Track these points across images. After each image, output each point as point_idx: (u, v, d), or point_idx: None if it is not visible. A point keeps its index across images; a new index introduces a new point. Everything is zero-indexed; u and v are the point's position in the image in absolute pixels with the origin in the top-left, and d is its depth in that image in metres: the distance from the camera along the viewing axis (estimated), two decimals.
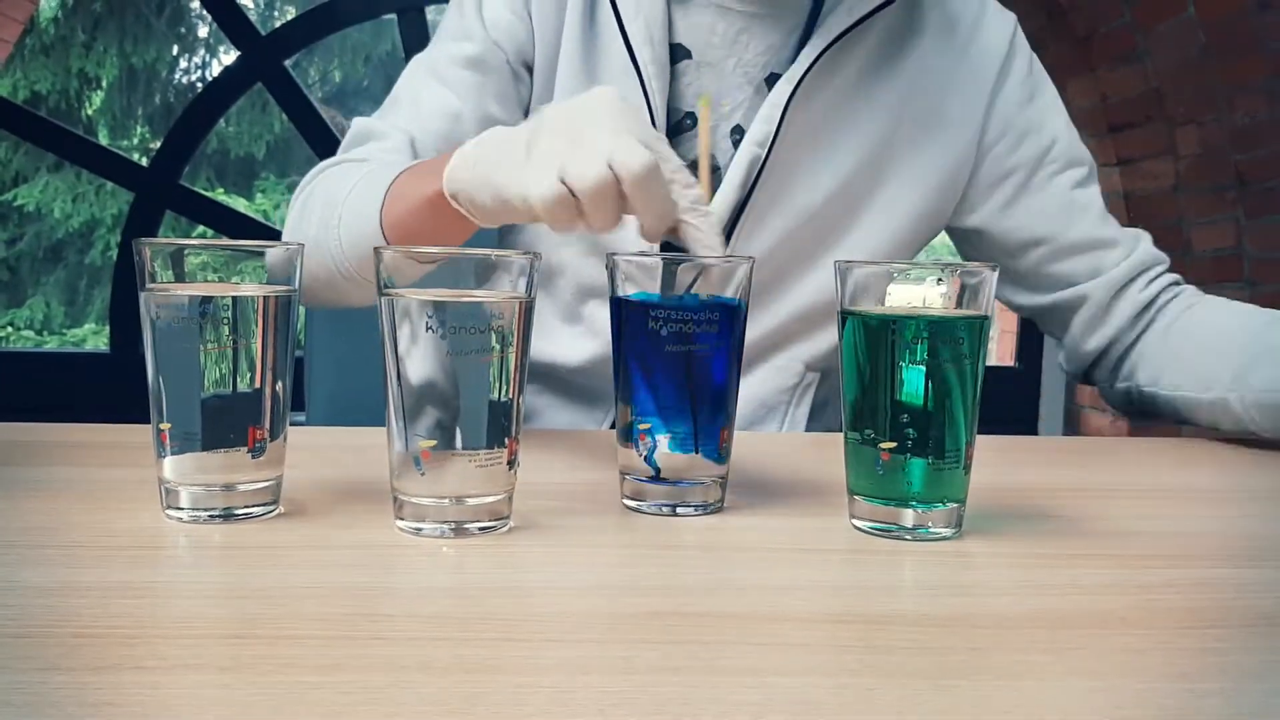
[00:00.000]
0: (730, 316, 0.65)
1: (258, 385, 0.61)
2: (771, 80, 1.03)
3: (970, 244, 1.14)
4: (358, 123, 1.04)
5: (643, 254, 0.67)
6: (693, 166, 1.02)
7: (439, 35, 1.08)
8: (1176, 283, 1.13)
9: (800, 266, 1.05)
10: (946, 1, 1.08)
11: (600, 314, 1.07)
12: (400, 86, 1.07)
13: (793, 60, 1.01)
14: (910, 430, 0.60)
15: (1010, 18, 1.10)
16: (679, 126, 1.04)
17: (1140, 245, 1.11)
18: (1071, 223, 1.09)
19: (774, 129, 1.00)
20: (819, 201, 1.03)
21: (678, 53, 1.03)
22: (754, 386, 1.08)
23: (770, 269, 1.03)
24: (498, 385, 0.59)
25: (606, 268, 0.67)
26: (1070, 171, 1.10)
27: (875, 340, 0.61)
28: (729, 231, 1.02)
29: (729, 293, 0.65)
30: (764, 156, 1.00)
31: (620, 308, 0.66)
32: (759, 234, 1.03)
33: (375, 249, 0.59)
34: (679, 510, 0.65)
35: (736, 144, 1.04)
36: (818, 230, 1.04)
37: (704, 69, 1.03)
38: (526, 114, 1.08)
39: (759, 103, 1.03)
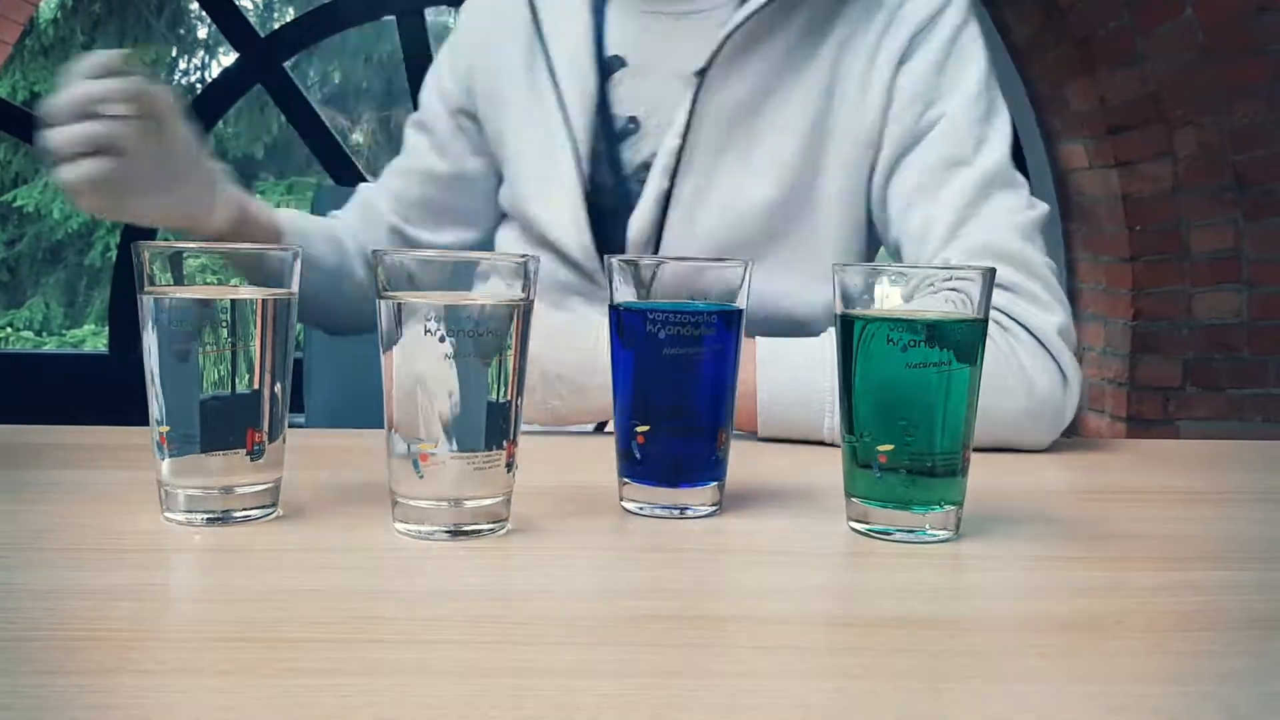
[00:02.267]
0: (728, 321, 0.65)
1: (256, 387, 0.61)
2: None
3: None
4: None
5: (640, 255, 0.67)
6: (644, 167, 1.06)
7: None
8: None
9: (752, 256, 1.01)
10: None
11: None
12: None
13: None
14: (907, 433, 0.60)
15: None
16: (623, 132, 1.07)
17: (937, 259, 0.97)
18: (911, 208, 1.00)
19: (686, 118, 1.02)
20: (756, 192, 1.03)
21: (614, 63, 1.08)
22: None
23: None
24: (496, 387, 0.59)
25: (604, 270, 0.67)
26: (939, 148, 1.00)
27: (872, 343, 0.61)
28: (659, 225, 1.04)
29: (716, 298, 0.65)
30: (679, 145, 1.03)
31: (618, 311, 0.66)
32: (692, 224, 1.04)
33: (373, 251, 0.60)
34: (677, 513, 0.65)
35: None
36: (761, 222, 1.04)
37: (639, 74, 1.08)
38: (483, 150, 1.21)
39: (683, 97, 1.05)
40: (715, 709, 0.39)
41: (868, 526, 0.62)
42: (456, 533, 0.59)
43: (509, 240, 1.18)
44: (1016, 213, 0.98)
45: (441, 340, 0.57)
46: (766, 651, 0.45)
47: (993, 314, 0.92)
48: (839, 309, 0.63)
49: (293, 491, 0.65)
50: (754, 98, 1.03)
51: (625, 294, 0.66)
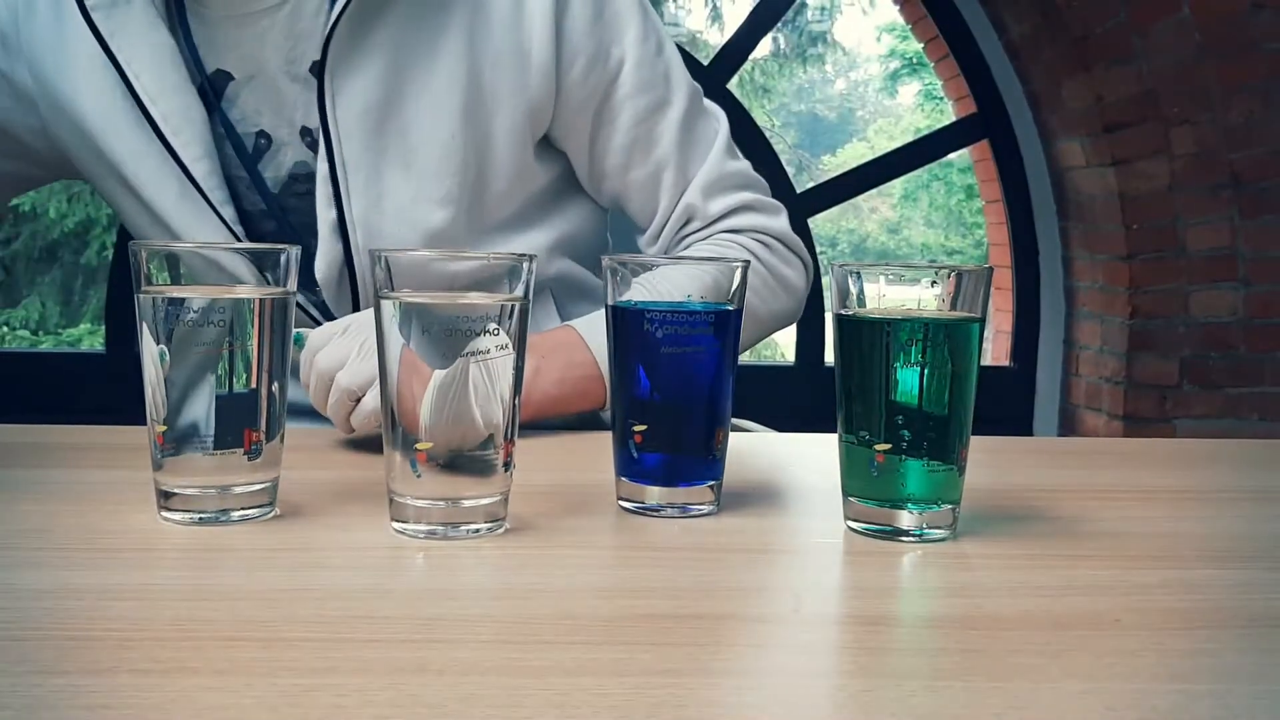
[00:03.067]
0: (724, 320, 0.65)
1: (254, 387, 0.61)
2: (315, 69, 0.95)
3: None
4: None
5: (637, 255, 0.67)
6: (295, 180, 0.98)
7: None
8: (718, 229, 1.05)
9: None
10: None
11: None
12: None
13: None
14: (905, 432, 0.60)
15: None
16: (256, 150, 0.98)
17: (680, 205, 1.02)
18: (632, 163, 1.01)
19: (323, 127, 0.93)
20: (430, 187, 0.96)
21: (220, 79, 0.97)
22: None
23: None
24: (493, 387, 0.59)
25: (603, 269, 0.67)
26: (638, 99, 0.99)
27: (869, 342, 0.61)
28: (345, 257, 0.96)
29: (709, 298, 0.66)
30: (329, 161, 0.94)
31: (616, 311, 0.66)
32: (378, 245, 0.95)
33: (370, 251, 0.60)
34: (674, 512, 0.65)
35: (311, 146, 0.98)
36: (452, 217, 0.97)
37: (252, 83, 0.97)
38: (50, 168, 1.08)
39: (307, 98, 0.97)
40: (712, 707, 0.39)
41: (865, 525, 0.62)
42: (454, 532, 0.59)
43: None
44: (717, 135, 1.04)
45: (438, 340, 0.57)
46: (763, 650, 0.45)
47: (747, 236, 1.03)
48: (835, 308, 0.63)
49: (290, 491, 0.65)
50: (388, 89, 0.94)
51: (622, 293, 0.66)
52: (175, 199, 0.98)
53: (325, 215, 0.96)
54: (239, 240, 0.97)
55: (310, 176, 0.98)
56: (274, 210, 0.99)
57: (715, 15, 12.14)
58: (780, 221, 1.06)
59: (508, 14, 0.96)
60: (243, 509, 0.61)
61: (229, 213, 0.97)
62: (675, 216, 1.03)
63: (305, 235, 0.98)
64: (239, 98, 0.98)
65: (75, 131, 1.00)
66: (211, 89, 0.97)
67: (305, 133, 0.98)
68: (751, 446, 0.90)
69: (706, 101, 1.06)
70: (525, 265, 0.60)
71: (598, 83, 0.98)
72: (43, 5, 0.99)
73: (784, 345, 7.12)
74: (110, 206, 1.06)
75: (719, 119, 1.06)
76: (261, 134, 0.98)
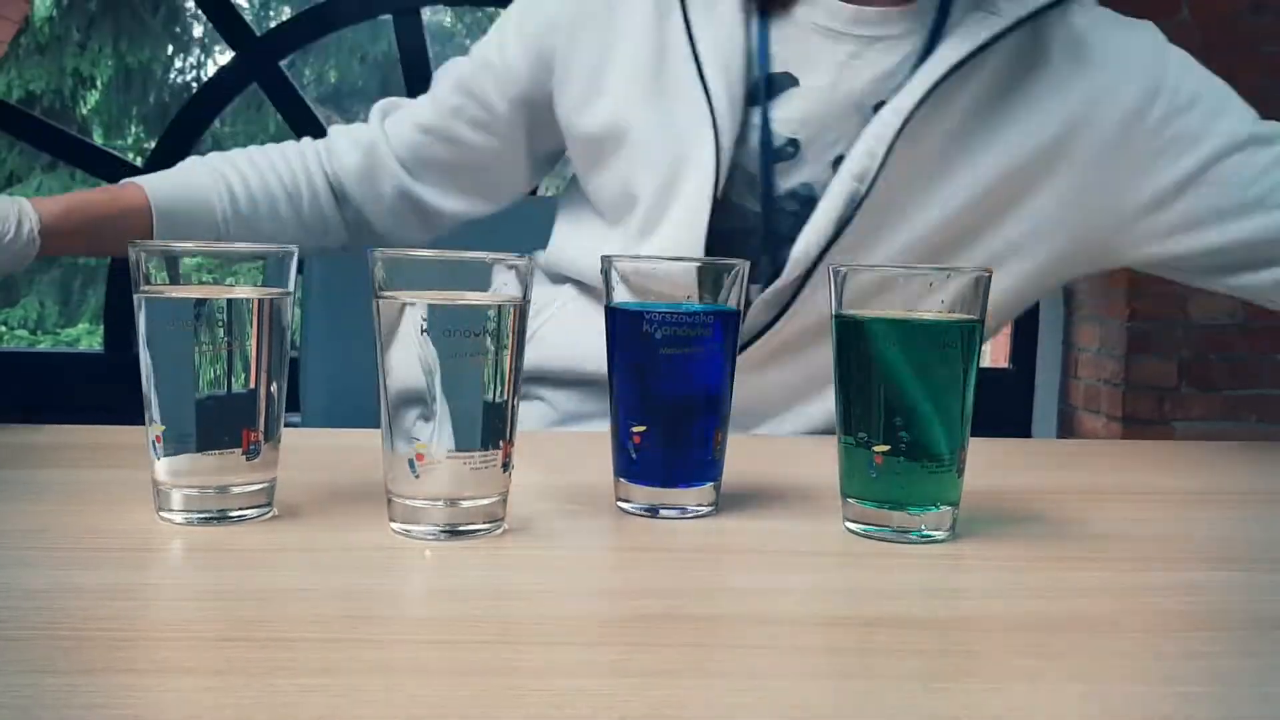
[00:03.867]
0: (724, 322, 0.65)
1: (252, 387, 0.61)
2: (879, 107, 0.98)
3: (1166, 268, 1.08)
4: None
5: (637, 258, 0.67)
6: (792, 196, 0.99)
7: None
8: None
9: None
10: (1073, 25, 1.01)
11: None
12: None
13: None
14: (904, 433, 0.60)
15: (1148, 26, 1.05)
16: (779, 154, 0.99)
17: None
18: (1245, 191, 1.01)
19: (877, 164, 0.95)
20: (921, 242, 0.98)
21: (781, 81, 1.00)
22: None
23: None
24: (492, 387, 0.59)
25: (601, 272, 0.67)
26: (1236, 156, 1.02)
27: (868, 344, 0.61)
28: (813, 265, 0.97)
29: (724, 300, 0.65)
30: (863, 192, 0.95)
31: (615, 313, 0.66)
32: (869, 252, 0.98)
33: (368, 250, 0.59)
34: (673, 513, 0.65)
35: (834, 169, 0.99)
36: (932, 249, 0.99)
37: (809, 95, 0.99)
38: (536, 138, 1.12)
39: (865, 132, 0.98)
40: (711, 709, 0.39)
41: (864, 527, 0.62)
42: (452, 533, 0.59)
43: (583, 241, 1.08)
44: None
45: (437, 340, 0.57)
46: (762, 652, 0.45)
47: None
48: (835, 309, 0.63)
49: (288, 491, 0.65)
50: (947, 144, 0.98)
51: (621, 294, 0.66)
52: (660, 177, 1.01)
53: (826, 228, 0.97)
54: (708, 227, 0.98)
55: (809, 200, 0.99)
56: (763, 213, 1.00)
57: None
58: None
59: (1074, 108, 0.99)
60: (241, 509, 0.61)
61: (717, 197, 0.98)
62: None
63: (763, 249, 1.00)
64: (790, 103, 1.00)
65: (585, 95, 1.05)
66: (768, 86, 1.00)
67: (837, 161, 0.99)
68: (750, 448, 0.90)
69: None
70: (525, 266, 0.60)
71: (1189, 166, 1.02)
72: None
73: None
74: (581, 180, 1.11)
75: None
76: (792, 142, 1.00)
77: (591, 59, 1.04)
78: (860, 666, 0.43)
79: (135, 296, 0.61)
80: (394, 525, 0.60)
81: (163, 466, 0.60)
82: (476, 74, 1.10)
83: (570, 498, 0.70)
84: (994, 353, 3.22)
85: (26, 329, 7.88)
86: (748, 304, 1.01)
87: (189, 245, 0.62)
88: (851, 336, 0.62)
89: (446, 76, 1.12)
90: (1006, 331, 3.14)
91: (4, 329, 7.91)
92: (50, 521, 0.60)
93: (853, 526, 0.63)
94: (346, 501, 0.66)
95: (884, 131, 0.95)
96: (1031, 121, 0.99)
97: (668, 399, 0.65)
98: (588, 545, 0.60)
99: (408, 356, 0.58)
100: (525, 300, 0.60)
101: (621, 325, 0.66)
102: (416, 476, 0.58)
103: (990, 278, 0.62)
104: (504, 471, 0.60)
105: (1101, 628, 0.49)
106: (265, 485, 0.62)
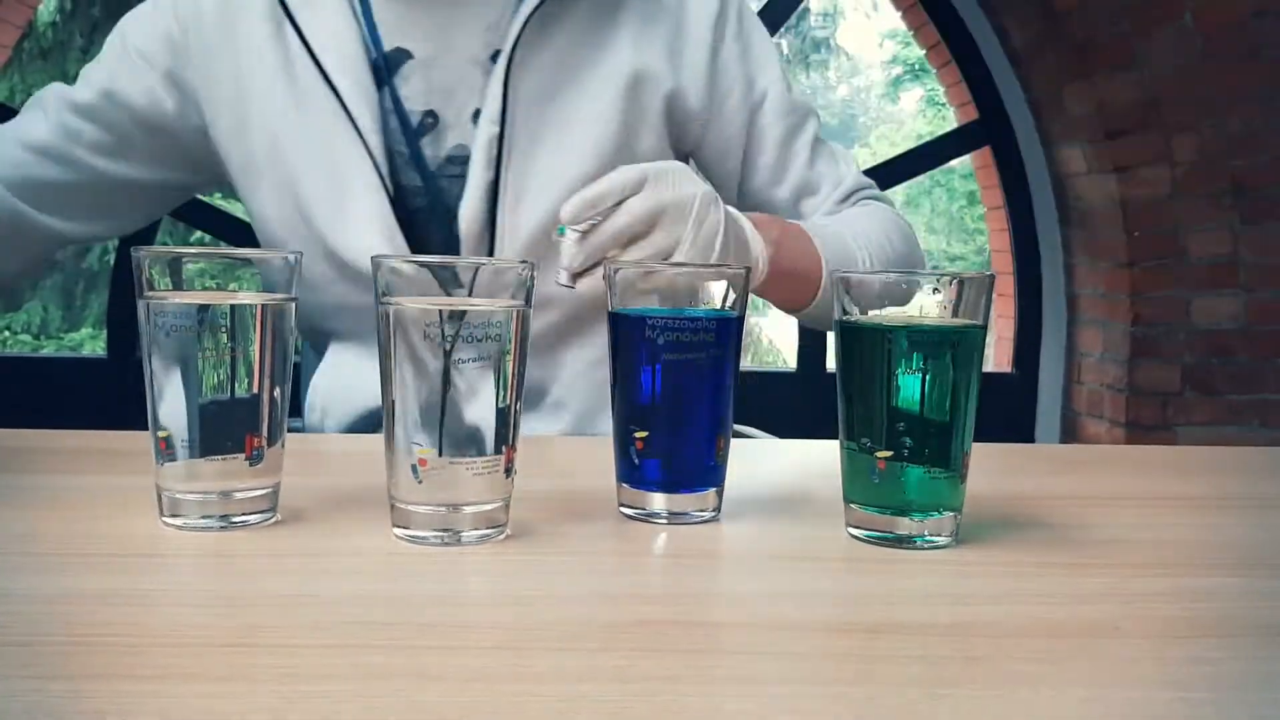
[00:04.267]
0: (726, 327, 0.65)
1: (255, 392, 0.61)
2: (496, 57, 1.03)
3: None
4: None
5: (639, 262, 0.68)
6: (451, 161, 1.03)
7: (84, 69, 1.12)
8: (872, 199, 1.19)
9: None
10: None
11: None
12: (31, 99, 1.13)
13: None
14: (906, 439, 0.60)
15: None
16: (422, 128, 1.04)
17: (844, 183, 1.16)
18: (783, 178, 1.15)
19: (499, 105, 1.01)
20: (577, 167, 1.04)
21: (399, 56, 1.04)
22: (581, 372, 1.09)
23: (550, 244, 0.96)
24: (495, 393, 0.59)
25: (604, 277, 0.67)
26: (778, 125, 1.14)
27: (871, 349, 0.61)
28: (491, 215, 1.02)
29: (714, 304, 0.66)
30: (498, 132, 1.01)
31: (617, 318, 0.66)
32: (523, 210, 1.03)
33: (373, 258, 0.60)
34: (676, 518, 0.65)
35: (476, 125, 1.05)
36: None
37: (430, 64, 1.04)
38: (178, 161, 1.12)
39: (491, 80, 1.03)
40: (714, 715, 0.39)
41: (866, 532, 0.62)
42: (455, 538, 0.59)
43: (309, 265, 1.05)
44: (843, 152, 1.20)
45: (441, 345, 0.57)
46: (765, 658, 0.45)
47: (879, 203, 1.17)
48: (838, 315, 0.63)
49: (291, 496, 0.65)
50: (560, 77, 1.04)
51: (625, 300, 0.66)
52: (327, 180, 1.03)
53: (481, 176, 1.02)
54: (395, 215, 1.03)
55: (465, 159, 1.04)
56: (430, 187, 1.04)
57: None
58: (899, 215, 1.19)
59: (670, 28, 1.09)
60: (244, 514, 0.61)
61: (390, 186, 1.02)
62: (832, 202, 1.16)
63: (448, 219, 1.04)
64: (413, 76, 1.04)
65: (236, 124, 1.07)
66: (386, 65, 1.04)
67: (475, 115, 1.04)
68: (753, 453, 0.90)
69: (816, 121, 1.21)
70: (527, 272, 0.60)
71: (748, 111, 1.14)
72: (210, 3, 1.07)
73: (785, 351, 7.11)
74: (247, 205, 1.11)
75: (842, 149, 1.22)
76: (429, 113, 1.04)
77: (230, 90, 1.06)
78: (863, 673, 0.43)
79: (139, 302, 0.61)
80: (396, 530, 0.60)
81: (166, 472, 0.61)
82: (99, 101, 1.08)
83: (573, 503, 0.70)
84: (997, 357, 3.22)
85: (30, 333, 7.89)
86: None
87: (192, 250, 0.62)
88: (854, 341, 0.62)
89: (58, 99, 1.09)
90: (1009, 336, 3.14)
91: (7, 334, 7.92)
92: (53, 527, 0.60)
93: (855, 532, 0.63)
94: (349, 507, 0.66)
95: (500, 73, 1.02)
96: (626, 54, 1.06)
97: (670, 404, 0.65)
98: (590, 551, 0.60)
99: (411, 362, 0.58)
100: (528, 305, 0.60)
101: (624, 331, 0.66)
102: (419, 482, 0.58)
103: (993, 280, 0.62)
104: (507, 477, 0.60)
105: (1105, 633, 0.49)
106: (268, 490, 0.62)
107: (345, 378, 1.10)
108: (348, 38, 1.02)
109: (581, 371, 1.09)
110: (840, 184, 1.16)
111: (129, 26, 1.09)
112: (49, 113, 1.08)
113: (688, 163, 1.15)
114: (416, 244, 1.04)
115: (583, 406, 1.09)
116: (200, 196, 3.10)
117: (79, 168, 1.08)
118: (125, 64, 1.08)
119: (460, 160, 1.04)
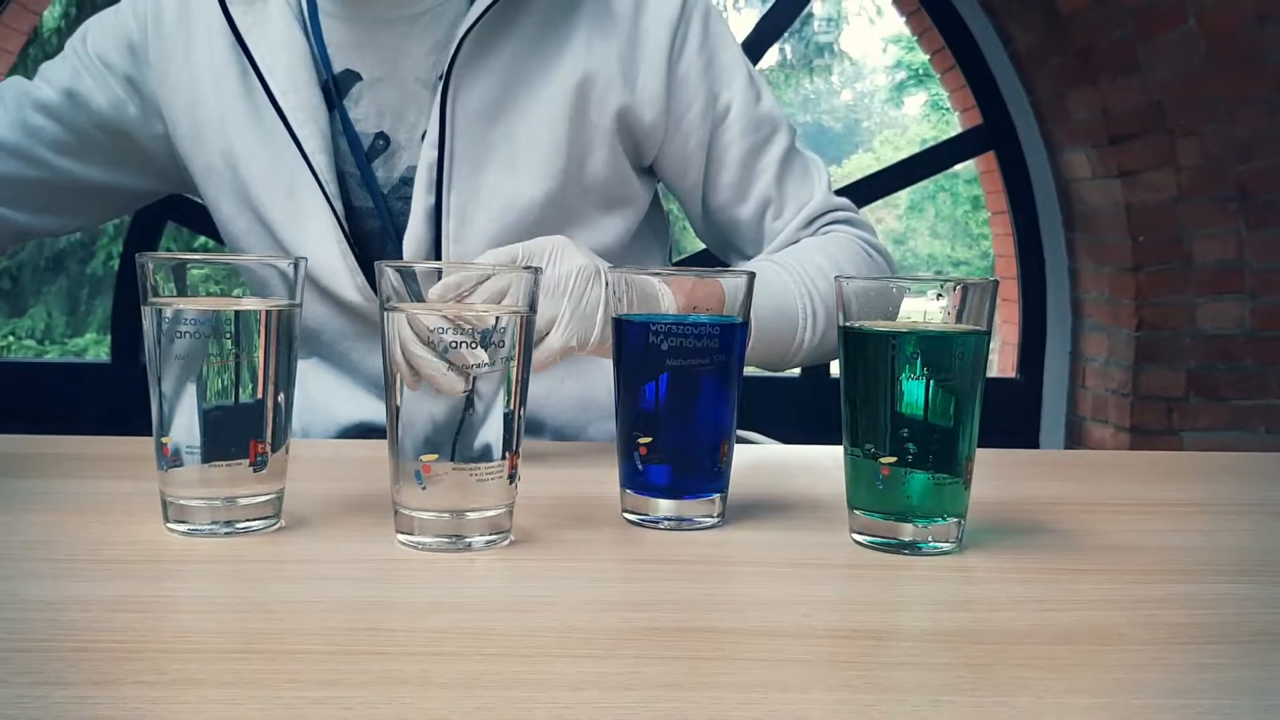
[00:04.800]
0: (729, 334, 0.65)
1: (259, 398, 0.61)
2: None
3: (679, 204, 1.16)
4: None
5: (641, 269, 0.67)
6: (406, 182, 1.01)
7: (43, 66, 1.10)
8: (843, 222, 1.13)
9: None
10: None
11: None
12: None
13: None
14: (910, 444, 0.60)
15: None
16: (373, 150, 1.02)
17: (810, 203, 1.10)
18: (745, 196, 1.09)
19: (439, 127, 0.98)
20: (527, 187, 1.01)
21: (348, 78, 1.02)
22: (552, 388, 1.06)
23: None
24: (499, 398, 0.59)
25: (606, 284, 0.67)
26: (743, 141, 1.08)
27: (875, 355, 0.61)
28: (436, 239, 1.00)
29: (728, 310, 0.66)
30: (437, 155, 0.99)
31: (621, 324, 0.66)
32: (468, 234, 1.00)
33: (376, 263, 0.60)
34: (679, 524, 0.65)
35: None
36: (536, 219, 1.01)
37: (379, 85, 1.02)
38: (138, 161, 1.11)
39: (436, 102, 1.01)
40: None
41: (870, 539, 0.62)
42: (458, 544, 0.59)
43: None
44: (817, 169, 1.13)
45: (445, 351, 0.57)
46: (768, 664, 0.45)
47: (853, 231, 1.11)
48: (841, 321, 0.63)
49: (295, 502, 0.65)
50: (504, 95, 1.01)
51: (624, 306, 0.66)
52: (284, 196, 1.02)
53: (423, 200, 1.00)
54: (346, 236, 1.01)
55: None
56: (380, 209, 1.03)
57: None
58: (875, 236, 1.13)
59: (624, 40, 1.03)
60: (248, 520, 0.61)
61: (339, 207, 1.01)
62: (776, 246, 1.09)
63: (400, 241, 1.03)
64: (363, 98, 1.03)
65: (194, 132, 1.05)
66: (336, 87, 1.02)
67: (424, 137, 1.02)
68: (756, 459, 0.90)
69: (803, 148, 1.14)
70: (530, 275, 0.60)
71: (709, 126, 1.07)
72: (170, 12, 1.06)
73: None
74: (212, 210, 1.10)
75: (819, 164, 1.14)
76: (380, 135, 1.03)
77: (186, 98, 1.05)
78: (867, 679, 0.43)
79: (143, 308, 0.61)
80: (400, 537, 0.60)
81: (170, 477, 0.61)
82: (60, 100, 1.07)
83: (576, 509, 0.70)
84: (1001, 363, 3.22)
85: (34, 339, 7.91)
86: None
87: (196, 256, 0.62)
88: (858, 347, 0.62)
89: (17, 93, 1.08)
90: (1014, 341, 3.14)
91: (12, 339, 7.94)
92: (57, 532, 0.60)
93: (859, 538, 0.63)
94: (353, 513, 0.66)
95: (434, 98, 0.99)
96: (573, 70, 1.02)
97: (674, 410, 0.65)
98: (594, 557, 0.60)
99: (413, 367, 0.58)
100: (532, 311, 0.60)
101: (628, 336, 0.66)
102: (423, 488, 0.58)
103: (997, 286, 0.62)
104: (510, 483, 0.60)
105: (1109, 639, 0.48)
106: (272, 496, 0.62)
107: (315, 397, 1.09)
108: (297, 58, 1.00)
109: (552, 387, 1.06)
110: (802, 207, 1.09)
111: (92, 30, 1.09)
112: (8, 108, 1.07)
113: (653, 177, 1.12)
114: (369, 265, 1.01)
115: (559, 422, 1.07)
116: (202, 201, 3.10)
117: (39, 165, 1.07)
118: (87, 66, 1.07)
119: (412, 182, 1.02)
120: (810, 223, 1.09)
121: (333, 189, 1.00)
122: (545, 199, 1.01)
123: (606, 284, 0.76)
